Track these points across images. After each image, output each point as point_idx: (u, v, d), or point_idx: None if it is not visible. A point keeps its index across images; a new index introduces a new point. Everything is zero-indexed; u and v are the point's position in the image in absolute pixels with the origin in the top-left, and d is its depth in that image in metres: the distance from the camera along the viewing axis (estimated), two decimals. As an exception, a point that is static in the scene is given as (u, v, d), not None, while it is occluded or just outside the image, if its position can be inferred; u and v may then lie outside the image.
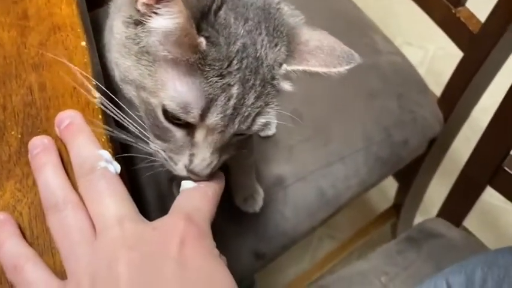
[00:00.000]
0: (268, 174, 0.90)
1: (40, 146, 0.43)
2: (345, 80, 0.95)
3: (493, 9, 0.81)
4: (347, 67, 0.46)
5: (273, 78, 0.44)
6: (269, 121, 0.46)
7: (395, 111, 0.96)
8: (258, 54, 0.43)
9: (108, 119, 0.48)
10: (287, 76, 0.46)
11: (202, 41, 0.40)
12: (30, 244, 0.41)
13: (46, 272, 0.39)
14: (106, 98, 0.47)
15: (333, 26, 1.03)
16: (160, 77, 0.42)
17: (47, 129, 0.46)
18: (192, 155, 0.45)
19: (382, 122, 0.94)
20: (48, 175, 0.42)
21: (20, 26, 0.53)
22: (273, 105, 0.46)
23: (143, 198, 0.87)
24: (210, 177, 0.46)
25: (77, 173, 0.42)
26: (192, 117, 0.42)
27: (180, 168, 0.46)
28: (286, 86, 0.47)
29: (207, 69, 0.41)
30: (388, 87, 0.98)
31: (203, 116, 0.42)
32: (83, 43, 0.52)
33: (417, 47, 1.78)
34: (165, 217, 0.42)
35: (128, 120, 0.47)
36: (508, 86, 0.74)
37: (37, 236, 0.41)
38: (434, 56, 1.76)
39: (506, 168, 0.79)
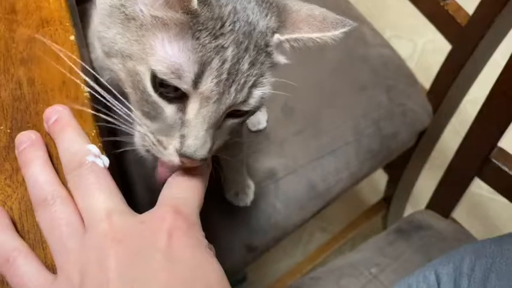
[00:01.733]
0: (260, 168, 0.90)
1: (27, 142, 0.43)
2: (334, 73, 0.98)
3: (481, 1, 0.82)
4: (342, 30, 0.45)
5: (267, 45, 0.43)
6: (265, 95, 0.44)
7: (385, 104, 0.96)
8: (249, 20, 0.41)
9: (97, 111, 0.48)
10: (281, 48, 0.45)
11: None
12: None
13: (38, 265, 0.39)
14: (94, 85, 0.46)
15: (323, 19, 1.05)
16: (149, 41, 0.40)
17: (36, 123, 0.46)
18: (183, 136, 0.41)
19: (372, 115, 0.95)
20: (36, 170, 0.41)
21: (7, 20, 0.53)
22: (268, 77, 0.44)
23: (133, 191, 0.87)
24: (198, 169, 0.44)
25: (65, 168, 0.42)
26: (185, 83, 0.40)
27: (170, 153, 0.42)
28: (280, 58, 0.45)
29: (199, 28, 0.39)
30: (378, 80, 0.99)
31: (196, 81, 0.40)
32: (72, 37, 0.51)
33: (406, 40, 1.79)
34: (153, 210, 0.42)
35: (115, 105, 0.44)
36: (496, 78, 0.75)
37: (27, 230, 0.41)
38: (424, 50, 1.76)
39: (493, 160, 0.79)
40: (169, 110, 0.42)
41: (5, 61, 0.50)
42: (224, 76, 0.40)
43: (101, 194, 0.40)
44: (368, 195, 1.47)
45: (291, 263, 1.34)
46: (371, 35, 1.04)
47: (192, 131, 0.41)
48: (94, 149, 0.42)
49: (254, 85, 0.42)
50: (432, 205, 0.97)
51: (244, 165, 0.87)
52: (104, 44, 0.43)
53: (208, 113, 0.41)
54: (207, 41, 0.39)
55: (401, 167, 1.15)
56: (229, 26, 0.40)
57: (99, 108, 0.47)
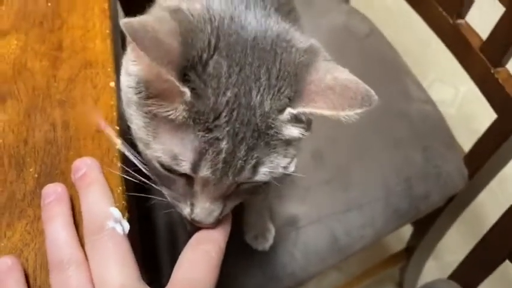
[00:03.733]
0: (282, 213, 0.89)
1: (53, 195, 0.43)
2: (371, 125, 0.96)
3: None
4: (358, 110, 0.40)
5: (269, 127, 0.41)
6: (275, 170, 0.42)
7: (420, 163, 0.94)
8: (252, 103, 0.40)
9: (127, 165, 0.47)
10: (297, 119, 0.42)
11: (186, 91, 0.38)
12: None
13: None
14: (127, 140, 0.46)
15: (367, 69, 1.03)
16: (153, 128, 0.41)
17: (65, 171, 0.46)
18: (192, 205, 0.44)
19: (404, 173, 0.92)
20: (57, 228, 0.41)
21: (53, 56, 0.53)
22: (279, 153, 0.42)
23: (154, 223, 0.86)
24: (217, 223, 0.45)
25: (85, 229, 0.41)
26: (184, 170, 0.41)
27: (185, 215, 0.45)
28: (294, 131, 0.42)
29: (195, 120, 0.39)
30: (415, 138, 0.96)
31: (195, 169, 0.40)
32: (112, 83, 0.51)
33: (449, 85, 1.75)
34: None
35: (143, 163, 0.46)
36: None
37: (39, 286, 0.41)
38: (466, 98, 1.72)
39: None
40: (179, 182, 0.44)
41: (44, 100, 0.50)
42: (220, 165, 0.40)
43: (116, 267, 0.39)
44: (390, 241, 1.43)
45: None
46: (414, 88, 1.02)
47: (199, 202, 0.43)
48: (116, 212, 0.42)
49: (258, 164, 0.41)
50: (456, 276, 0.93)
51: (267, 210, 0.85)
52: (126, 118, 0.45)
53: (210, 190, 0.43)
54: (201, 134, 0.39)
55: (429, 222, 1.11)
56: (225, 117, 0.39)
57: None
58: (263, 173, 0.42)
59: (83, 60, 0.53)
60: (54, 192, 0.43)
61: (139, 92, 0.41)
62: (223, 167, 0.40)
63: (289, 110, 0.41)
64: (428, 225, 1.12)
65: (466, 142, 1.02)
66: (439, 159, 0.95)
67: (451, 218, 1.09)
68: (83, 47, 0.53)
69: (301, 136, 0.43)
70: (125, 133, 0.47)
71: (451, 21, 0.90)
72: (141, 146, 0.44)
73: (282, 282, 0.85)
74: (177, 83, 0.37)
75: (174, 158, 0.40)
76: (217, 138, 0.39)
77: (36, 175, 0.46)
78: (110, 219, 0.41)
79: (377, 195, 0.90)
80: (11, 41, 0.54)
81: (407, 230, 1.26)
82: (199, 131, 0.39)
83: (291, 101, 0.41)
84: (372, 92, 0.41)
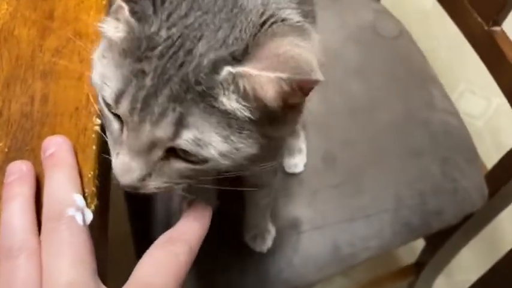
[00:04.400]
0: (285, 215, 0.84)
1: (17, 173, 0.39)
2: (388, 130, 0.90)
3: None
4: (282, 75, 0.34)
5: (197, 82, 0.36)
6: (203, 140, 0.37)
7: (436, 176, 0.88)
8: (194, 50, 0.36)
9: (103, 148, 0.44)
10: (242, 93, 0.36)
11: (124, 6, 0.36)
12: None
13: None
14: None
15: (392, 71, 0.98)
16: (105, 55, 0.39)
17: (35, 148, 0.42)
18: (117, 155, 0.40)
19: (419, 186, 0.87)
20: (15, 210, 0.37)
21: (42, 25, 0.50)
22: (209, 126, 0.37)
23: (152, 212, 0.83)
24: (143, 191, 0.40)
25: (44, 214, 0.38)
26: (108, 96, 0.38)
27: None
28: (231, 103, 0.36)
29: (130, 49, 0.36)
30: (434, 149, 0.90)
31: (117, 100, 0.37)
32: (100, 59, 0.47)
33: (480, 97, 1.67)
34: None
35: None
36: None
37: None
38: (497, 111, 1.64)
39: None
40: (115, 125, 0.40)
41: (26, 70, 0.47)
42: (139, 105, 0.36)
43: (67, 260, 0.35)
44: (400, 253, 1.38)
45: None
46: (440, 98, 0.96)
47: (121, 154, 0.39)
48: (80, 200, 0.38)
49: (181, 124, 0.37)
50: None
51: (269, 210, 0.81)
52: None
53: (131, 140, 0.38)
54: (131, 62, 0.36)
55: (442, 238, 1.05)
56: (159, 51, 0.36)
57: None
58: (186, 139, 0.37)
59: (72, 32, 0.49)
60: (18, 171, 0.40)
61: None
62: (142, 108, 0.36)
63: (228, 69, 0.36)
64: (442, 241, 1.06)
65: (491, 158, 0.95)
66: (457, 173, 0.89)
67: (466, 236, 1.02)
68: (75, 17, 0.50)
69: (242, 114, 0.37)
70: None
71: (485, 28, 0.83)
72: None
73: (275, 287, 0.81)
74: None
75: (103, 81, 0.38)
76: (143, 71, 0.36)
77: (6, 149, 0.42)
78: (71, 207, 0.37)
79: (386, 206, 0.85)
80: (1, 5, 0.51)
81: (419, 243, 1.20)
82: (130, 58, 0.36)
83: (236, 62, 0.36)
84: (317, 73, 0.35)
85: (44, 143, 0.41)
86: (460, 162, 0.90)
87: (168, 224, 0.88)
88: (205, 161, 0.38)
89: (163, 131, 0.37)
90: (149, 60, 0.36)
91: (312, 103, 0.83)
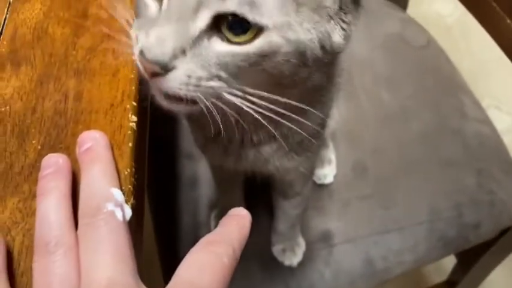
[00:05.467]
0: (315, 227, 0.81)
1: (52, 167, 0.38)
2: (421, 140, 0.87)
3: None
4: None
5: None
6: (258, 1, 0.33)
7: (472, 188, 0.84)
8: None
9: (140, 145, 0.42)
10: None
11: None
12: (14, 281, 0.35)
13: None
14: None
15: (421, 80, 0.96)
16: None
17: (69, 146, 0.41)
18: (152, 28, 0.34)
19: (455, 197, 0.83)
20: (50, 204, 0.35)
21: (75, 24, 0.49)
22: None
23: (178, 224, 0.81)
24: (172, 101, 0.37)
25: (80, 209, 0.36)
26: None
27: (136, 49, 0.36)
28: None
29: None
30: (469, 159, 0.87)
31: None
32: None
33: (506, 113, 1.64)
34: None
35: None
36: None
37: (22, 272, 0.35)
38: (523, 127, 1.61)
39: None
40: (152, 5, 0.36)
41: (60, 68, 0.46)
42: None
43: (108, 257, 0.33)
44: (430, 271, 1.33)
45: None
46: (471, 107, 0.93)
47: (158, 24, 0.34)
48: (118, 195, 0.36)
49: None
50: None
51: (300, 221, 0.79)
52: None
53: (174, 1, 0.34)
54: None
55: (476, 255, 1.01)
56: None
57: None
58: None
59: (107, 29, 0.48)
60: (54, 164, 0.38)
61: None
62: None
63: None
64: (475, 258, 1.01)
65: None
66: (494, 185, 0.85)
67: (501, 253, 0.98)
68: (108, 15, 0.48)
69: None
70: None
71: (520, 34, 0.81)
72: None
73: (307, 302, 0.78)
74: None
75: None
76: None
77: (39, 147, 0.41)
78: (109, 201, 0.35)
79: (421, 218, 0.82)
80: (35, 5, 0.50)
81: (450, 261, 1.16)
82: None
83: None
84: None
85: (80, 138, 0.39)
86: (496, 174, 0.87)
87: (195, 238, 0.85)
88: (253, 36, 0.34)
89: None
90: None
91: (341, 112, 0.81)
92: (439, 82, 0.96)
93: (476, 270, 1.05)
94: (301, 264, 0.78)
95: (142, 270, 0.38)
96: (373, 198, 0.83)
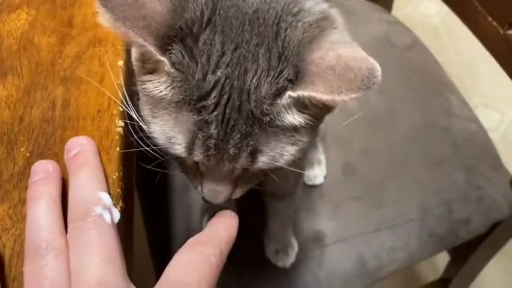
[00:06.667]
0: (307, 228, 0.82)
1: (42, 173, 0.38)
2: (409, 139, 0.88)
3: None
4: (353, 95, 0.34)
5: (264, 114, 0.36)
6: (278, 157, 0.38)
7: (461, 184, 0.86)
8: (246, 87, 0.35)
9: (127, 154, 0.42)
10: (301, 104, 0.36)
11: (164, 60, 0.34)
12: (5, 286, 0.35)
13: None
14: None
15: (408, 80, 0.97)
16: (151, 107, 0.38)
17: (58, 153, 0.41)
18: (201, 184, 0.42)
19: (444, 194, 0.84)
20: (41, 210, 0.36)
21: (61, 33, 0.49)
22: (279, 142, 0.38)
23: (171, 230, 0.81)
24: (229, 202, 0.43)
25: (69, 214, 0.36)
26: (179, 153, 0.38)
27: (198, 192, 0.43)
28: (296, 118, 0.37)
29: (185, 101, 0.36)
30: (457, 157, 0.88)
31: (189, 152, 0.37)
32: (120, 62, 0.47)
33: (494, 110, 1.66)
34: None
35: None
36: None
37: (14, 277, 0.36)
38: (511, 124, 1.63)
39: None
40: (188, 163, 0.41)
41: (47, 77, 0.46)
42: (212, 151, 0.37)
43: (97, 259, 0.33)
44: (424, 269, 1.34)
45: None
46: (458, 105, 0.94)
47: (206, 183, 0.41)
48: (106, 198, 0.36)
49: (256, 152, 0.37)
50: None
51: (291, 222, 0.79)
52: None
53: (213, 174, 0.40)
54: (190, 115, 0.36)
55: (468, 251, 1.02)
56: (213, 98, 0.35)
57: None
58: (262, 162, 0.38)
59: (92, 38, 0.48)
60: (44, 170, 0.38)
61: (138, 66, 0.37)
62: (215, 153, 0.37)
63: (289, 94, 0.36)
64: (468, 254, 1.03)
65: (510, 170, 0.93)
66: (482, 181, 0.86)
67: (493, 247, 0.99)
68: (94, 24, 0.49)
69: (308, 123, 0.38)
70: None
71: (501, 32, 0.82)
72: (146, 127, 0.39)
73: (301, 304, 0.78)
74: (153, 50, 0.34)
75: (169, 140, 0.38)
76: (206, 122, 0.36)
77: (28, 154, 0.41)
78: (97, 205, 0.35)
79: (412, 216, 0.83)
80: (20, 15, 0.51)
81: (443, 258, 1.17)
82: (186, 111, 0.36)
83: (292, 84, 0.36)
84: (376, 69, 0.35)
85: (68, 143, 0.40)
86: (484, 170, 0.88)
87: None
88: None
89: (240, 163, 0.38)
90: (207, 110, 0.36)
91: (330, 114, 0.82)
92: (426, 82, 0.97)
93: (470, 266, 1.06)
94: (294, 265, 0.79)
95: (135, 274, 0.38)
96: (364, 198, 0.84)
